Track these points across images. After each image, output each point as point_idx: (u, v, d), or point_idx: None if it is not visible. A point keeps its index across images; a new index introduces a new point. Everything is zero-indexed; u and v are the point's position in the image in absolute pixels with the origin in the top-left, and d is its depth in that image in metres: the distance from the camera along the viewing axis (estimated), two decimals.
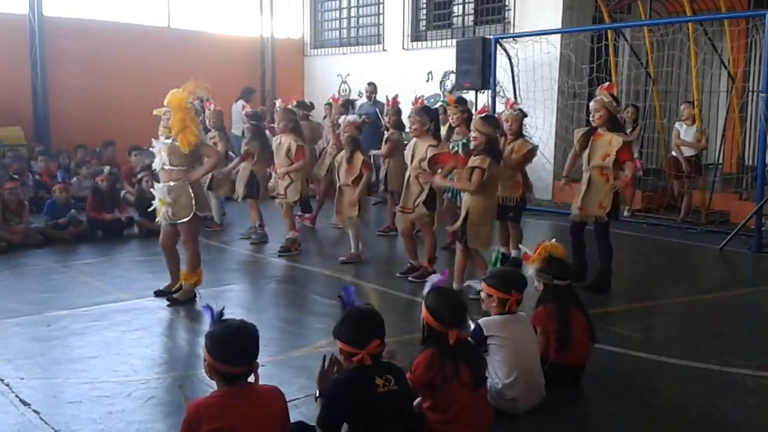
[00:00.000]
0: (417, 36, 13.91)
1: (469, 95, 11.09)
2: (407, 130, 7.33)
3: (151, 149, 5.81)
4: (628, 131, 9.11)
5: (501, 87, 10.97)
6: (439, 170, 6.35)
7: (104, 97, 12.77)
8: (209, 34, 14.47)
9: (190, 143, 5.40)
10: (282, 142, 7.63)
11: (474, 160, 5.59)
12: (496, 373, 3.70)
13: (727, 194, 10.07)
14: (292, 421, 3.03)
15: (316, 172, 9.43)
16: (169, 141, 5.50)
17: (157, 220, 5.83)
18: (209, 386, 3.47)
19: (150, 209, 5.87)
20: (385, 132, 8.32)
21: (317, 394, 3.15)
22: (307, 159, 8.00)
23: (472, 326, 3.75)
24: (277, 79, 15.24)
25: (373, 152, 8.33)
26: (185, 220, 5.61)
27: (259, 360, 2.88)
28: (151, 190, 5.84)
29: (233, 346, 2.81)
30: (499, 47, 10.77)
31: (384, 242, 8.46)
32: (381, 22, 14.49)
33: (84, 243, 8.20)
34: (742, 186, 10.00)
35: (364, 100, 12.49)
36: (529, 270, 4.30)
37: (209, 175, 7.85)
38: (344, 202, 7.11)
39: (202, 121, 7.79)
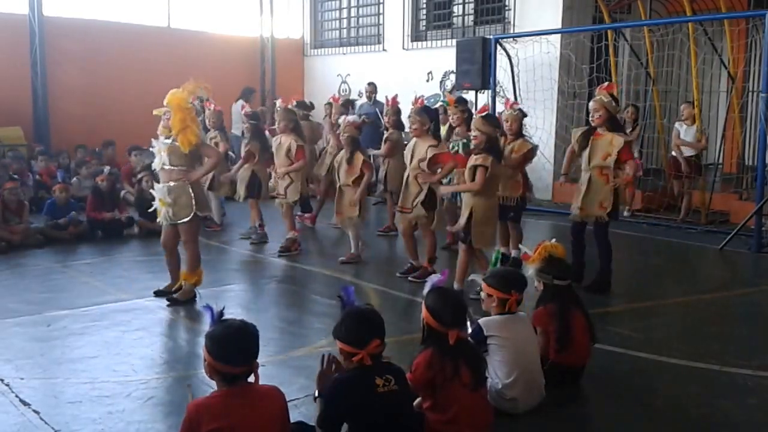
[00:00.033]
0: (417, 36, 13.92)
1: (469, 95, 11.08)
2: (407, 130, 7.34)
3: (150, 149, 5.81)
4: (628, 131, 9.12)
5: (501, 87, 10.97)
6: (439, 170, 6.36)
7: (104, 97, 12.78)
8: (209, 34, 14.47)
9: (190, 143, 5.40)
10: (282, 142, 7.62)
11: (476, 159, 5.58)
12: (496, 373, 3.70)
13: (727, 194, 10.07)
14: (292, 421, 3.03)
15: (317, 172, 9.43)
16: (169, 141, 5.50)
17: (158, 220, 5.83)
18: (209, 386, 3.47)
19: (150, 210, 5.87)
20: (385, 132, 8.32)
21: (316, 394, 3.15)
22: (307, 159, 8.00)
23: (470, 328, 3.75)
24: (277, 79, 15.24)
25: (372, 152, 8.33)
26: (185, 220, 5.61)
27: (259, 360, 2.88)
28: (151, 190, 5.84)
29: (233, 346, 2.81)
30: (499, 47, 10.77)
31: (384, 242, 8.46)
32: (381, 22, 14.49)
33: (84, 243, 8.20)
34: (742, 186, 10.00)
35: (364, 100, 12.49)
36: (529, 270, 4.30)
37: (210, 175, 7.86)
38: (344, 202, 7.11)
39: (202, 121, 7.79)
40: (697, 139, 9.69)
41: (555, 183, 11.12)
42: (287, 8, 15.78)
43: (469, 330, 3.72)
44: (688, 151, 9.72)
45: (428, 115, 6.49)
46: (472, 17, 13.04)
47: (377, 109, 10.95)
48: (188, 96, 5.42)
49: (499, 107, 9.15)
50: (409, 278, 6.51)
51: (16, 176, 9.13)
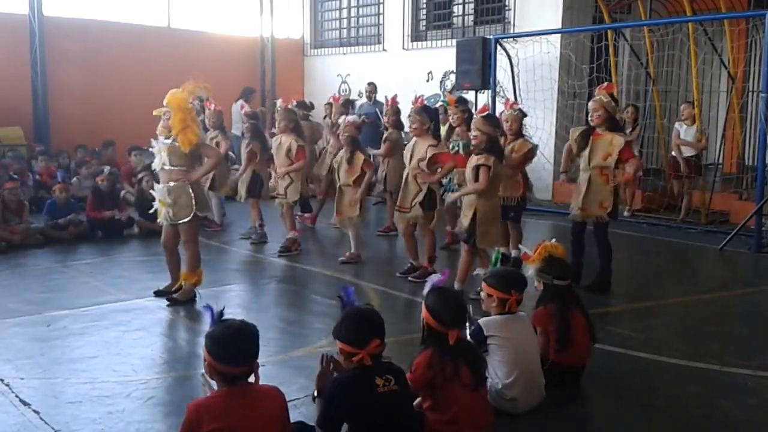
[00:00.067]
0: (417, 36, 13.91)
1: (469, 95, 11.08)
2: (406, 129, 7.34)
3: (150, 149, 5.81)
4: (628, 131, 9.12)
5: (501, 87, 10.97)
6: (439, 170, 6.36)
7: (104, 97, 12.77)
8: (209, 34, 14.47)
9: (191, 143, 5.40)
10: (282, 142, 7.63)
11: (478, 159, 5.58)
12: (496, 373, 3.70)
13: (727, 194, 10.06)
14: (292, 421, 3.03)
15: (317, 172, 9.44)
16: (169, 141, 5.50)
17: (158, 220, 5.83)
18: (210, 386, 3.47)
19: (151, 211, 5.87)
20: (385, 132, 8.32)
21: (315, 394, 3.15)
22: (307, 159, 8.01)
23: (470, 328, 3.75)
24: (277, 79, 15.23)
25: (372, 152, 8.33)
26: (185, 220, 5.61)
27: (259, 360, 2.88)
28: (151, 191, 5.84)
29: (233, 346, 2.81)
30: (499, 47, 10.77)
31: (384, 242, 8.46)
32: (381, 22, 14.49)
33: (84, 243, 8.20)
34: (742, 186, 10.00)
35: (364, 100, 12.49)
36: (529, 270, 4.30)
37: (211, 175, 7.86)
38: (345, 202, 7.11)
39: (202, 121, 7.79)
40: (697, 139, 9.69)
41: (555, 183, 11.12)
42: (287, 8, 15.78)
43: (469, 330, 3.72)
44: (688, 151, 9.72)
45: (428, 115, 6.49)
46: (472, 17, 13.03)
47: (377, 109, 10.96)
48: (188, 96, 5.42)
49: (499, 107, 9.15)
50: (409, 278, 6.51)
51: (16, 176, 9.13)
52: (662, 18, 10.72)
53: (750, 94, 10.15)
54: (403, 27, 13.86)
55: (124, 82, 12.95)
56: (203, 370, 2.90)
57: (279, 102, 8.09)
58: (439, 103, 9.05)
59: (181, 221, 5.62)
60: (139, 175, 9.20)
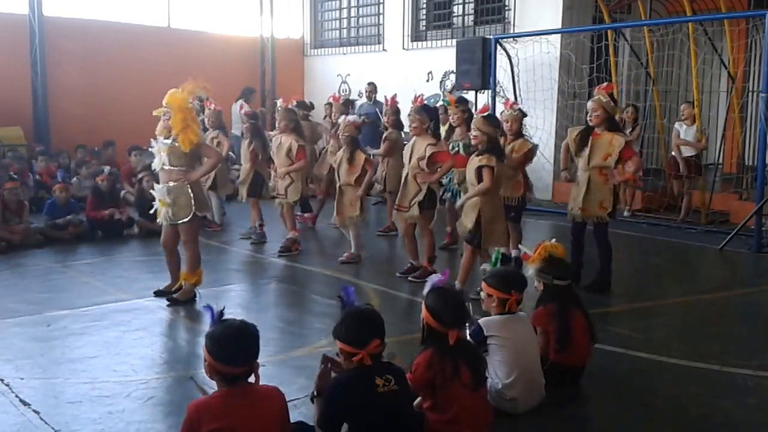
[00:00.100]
0: (417, 36, 13.91)
1: (469, 95, 11.08)
2: (406, 129, 7.33)
3: (150, 149, 5.81)
4: (627, 131, 9.12)
5: (501, 87, 10.96)
6: (438, 168, 6.36)
7: (104, 97, 12.77)
8: (209, 34, 14.47)
9: (191, 142, 5.40)
10: (283, 142, 7.63)
11: (480, 160, 5.57)
12: (496, 373, 3.70)
13: (727, 194, 10.06)
14: (292, 421, 3.03)
15: (317, 171, 9.44)
16: (168, 141, 5.50)
17: (158, 220, 5.83)
18: (210, 386, 3.47)
19: (151, 211, 5.87)
20: (384, 132, 8.32)
21: (314, 394, 3.16)
22: (307, 159, 8.01)
23: (470, 328, 3.75)
24: (277, 79, 15.23)
25: (371, 152, 8.33)
26: (185, 220, 5.61)
27: (259, 360, 2.88)
28: (151, 191, 5.84)
29: (233, 346, 2.81)
30: (499, 47, 10.77)
31: (384, 242, 8.46)
32: (381, 22, 14.49)
33: (84, 243, 8.19)
34: (742, 186, 10.00)
35: (364, 100, 12.49)
36: (529, 270, 4.30)
37: (212, 175, 7.84)
38: (345, 202, 7.11)
39: (201, 121, 7.79)
40: (697, 139, 9.69)
41: (555, 183, 11.13)
42: (287, 8, 15.78)
43: (469, 330, 3.72)
44: (688, 151, 9.71)
45: (427, 114, 6.50)
46: (472, 17, 13.03)
47: (377, 109, 10.96)
48: (188, 96, 5.42)
49: (499, 107, 9.15)
50: (409, 278, 6.51)
51: (16, 176, 9.12)
52: (662, 18, 10.72)
53: (750, 94, 10.15)
54: (403, 27, 13.86)
55: (124, 82, 12.95)
56: (192, 376, 2.90)
57: (279, 102, 8.09)
58: (440, 103, 9.06)
59: (180, 221, 5.63)
60: (139, 175, 9.21)
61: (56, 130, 12.39)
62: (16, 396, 3.96)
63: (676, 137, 9.82)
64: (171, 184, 5.55)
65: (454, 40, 12.10)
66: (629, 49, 10.89)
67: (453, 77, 12.06)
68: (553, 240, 4.41)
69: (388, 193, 8.36)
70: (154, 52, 13.30)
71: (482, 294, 3.97)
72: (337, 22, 15.64)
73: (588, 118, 6.15)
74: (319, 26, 15.97)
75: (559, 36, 10.98)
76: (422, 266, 6.53)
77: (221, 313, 2.95)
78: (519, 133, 6.71)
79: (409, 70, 13.38)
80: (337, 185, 7.21)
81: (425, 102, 6.90)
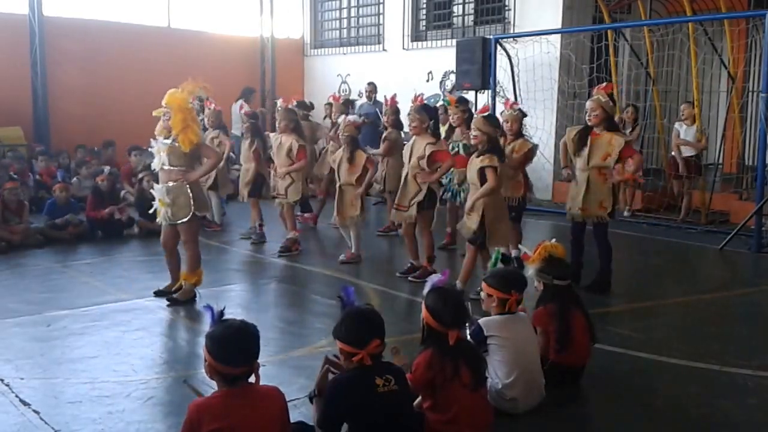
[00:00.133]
0: (417, 36, 13.91)
1: (469, 95, 11.08)
2: (406, 129, 7.33)
3: (150, 149, 5.81)
4: (627, 131, 9.12)
5: (501, 87, 10.96)
6: (438, 168, 6.36)
7: (104, 97, 12.77)
8: (209, 34, 14.46)
9: (191, 142, 5.41)
10: (283, 142, 7.62)
11: (482, 160, 5.57)
12: (496, 373, 3.70)
13: (727, 194, 10.07)
14: (292, 421, 3.03)
15: (317, 171, 9.44)
16: (168, 141, 5.51)
17: (158, 220, 5.83)
18: (209, 386, 3.47)
19: (151, 211, 5.87)
20: (384, 131, 8.32)
21: (314, 394, 3.15)
22: (307, 159, 8.01)
23: (470, 328, 3.75)
24: (277, 79, 15.23)
25: (371, 151, 8.33)
26: (185, 220, 5.62)
27: (259, 360, 2.87)
28: (151, 191, 5.84)
29: (233, 346, 2.81)
30: (499, 47, 10.77)
31: (384, 242, 8.46)
32: (381, 22, 14.48)
33: (84, 243, 8.20)
34: (742, 186, 10.00)
35: (363, 100, 12.49)
36: (529, 270, 4.30)
37: (212, 175, 7.83)
38: (345, 201, 7.11)
39: (202, 121, 7.79)
40: (697, 139, 9.69)
41: (555, 183, 11.12)
42: (287, 8, 15.78)
43: (469, 330, 3.72)
44: (688, 151, 9.71)
45: (427, 113, 6.50)
46: (472, 17, 13.03)
47: (377, 109, 10.95)
48: (188, 96, 5.42)
49: (499, 107, 9.15)
50: (409, 278, 6.51)
51: (16, 176, 9.13)
52: (662, 18, 10.72)
53: (750, 94, 10.15)
54: (403, 27, 13.86)
55: (124, 82, 12.95)
56: (185, 379, 2.89)
57: (279, 102, 8.09)
58: (440, 103, 9.05)
59: (180, 221, 5.63)
60: (139, 175, 9.21)
61: (56, 130, 12.39)
62: (16, 396, 3.96)
63: (676, 137, 9.82)
64: (170, 184, 5.55)
65: (454, 40, 12.10)
66: (629, 49, 10.89)
67: (453, 77, 12.06)
68: (553, 240, 4.41)
69: (388, 192, 8.37)
70: (154, 52, 13.30)
71: (482, 294, 3.97)
72: (337, 22, 15.64)
73: (587, 118, 6.14)
74: (319, 26, 15.97)
75: (559, 36, 10.98)
76: (422, 266, 6.53)
77: (221, 313, 2.94)
78: (519, 133, 6.71)
79: (409, 70, 13.38)
80: (337, 185, 7.21)
81: (425, 102, 6.90)
